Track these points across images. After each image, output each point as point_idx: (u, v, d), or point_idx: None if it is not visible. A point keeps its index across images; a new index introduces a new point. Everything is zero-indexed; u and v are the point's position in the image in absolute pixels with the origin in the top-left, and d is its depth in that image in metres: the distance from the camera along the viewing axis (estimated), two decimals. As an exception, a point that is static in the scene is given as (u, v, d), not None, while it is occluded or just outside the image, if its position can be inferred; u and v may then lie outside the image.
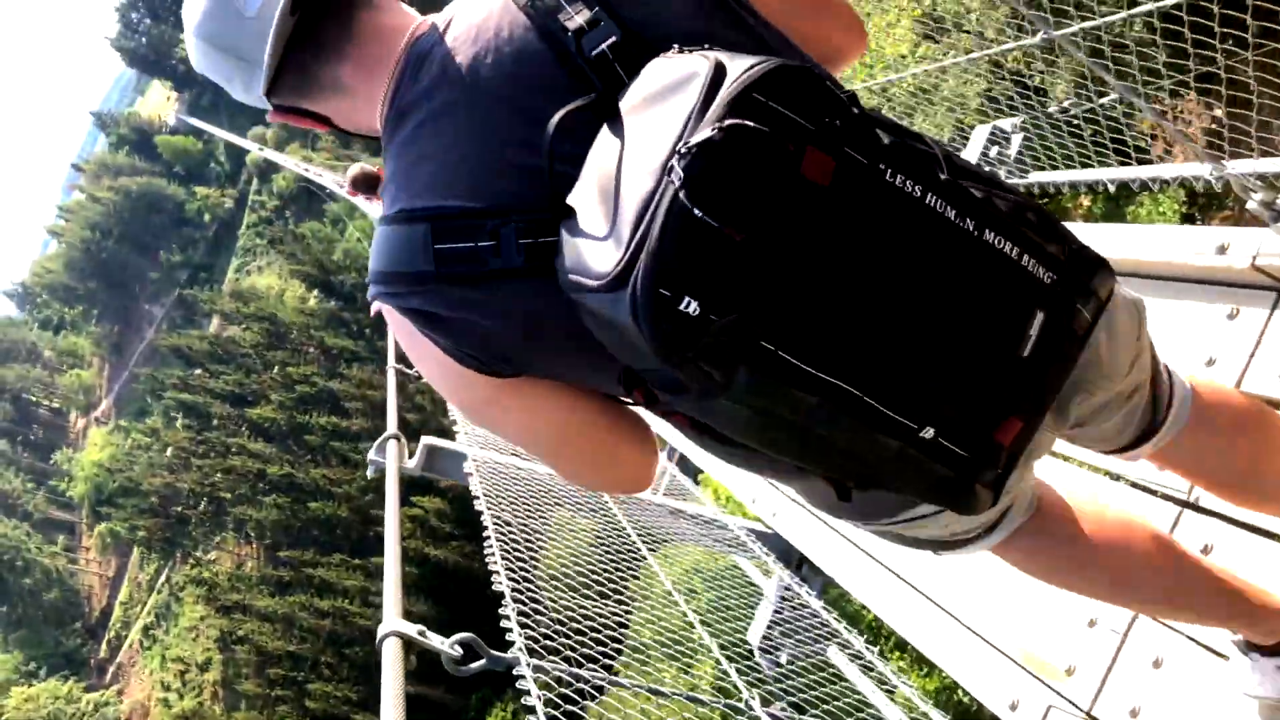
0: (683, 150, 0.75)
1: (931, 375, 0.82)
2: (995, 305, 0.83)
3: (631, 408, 1.08)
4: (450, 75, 0.95)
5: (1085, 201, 5.87)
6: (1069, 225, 0.98)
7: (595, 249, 0.81)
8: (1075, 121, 4.31)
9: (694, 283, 0.74)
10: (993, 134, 4.45)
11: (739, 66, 0.78)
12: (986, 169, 0.99)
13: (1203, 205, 5.26)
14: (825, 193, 0.76)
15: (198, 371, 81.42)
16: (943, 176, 0.82)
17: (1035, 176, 4.23)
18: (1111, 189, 3.90)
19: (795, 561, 3.77)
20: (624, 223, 0.78)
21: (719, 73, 0.78)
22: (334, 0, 0.99)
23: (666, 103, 0.81)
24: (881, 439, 0.82)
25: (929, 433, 0.83)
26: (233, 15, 0.95)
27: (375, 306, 1.03)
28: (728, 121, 0.75)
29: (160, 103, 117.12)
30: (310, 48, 0.99)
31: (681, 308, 0.75)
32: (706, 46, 0.84)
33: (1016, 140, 4.40)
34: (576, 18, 0.92)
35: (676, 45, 0.87)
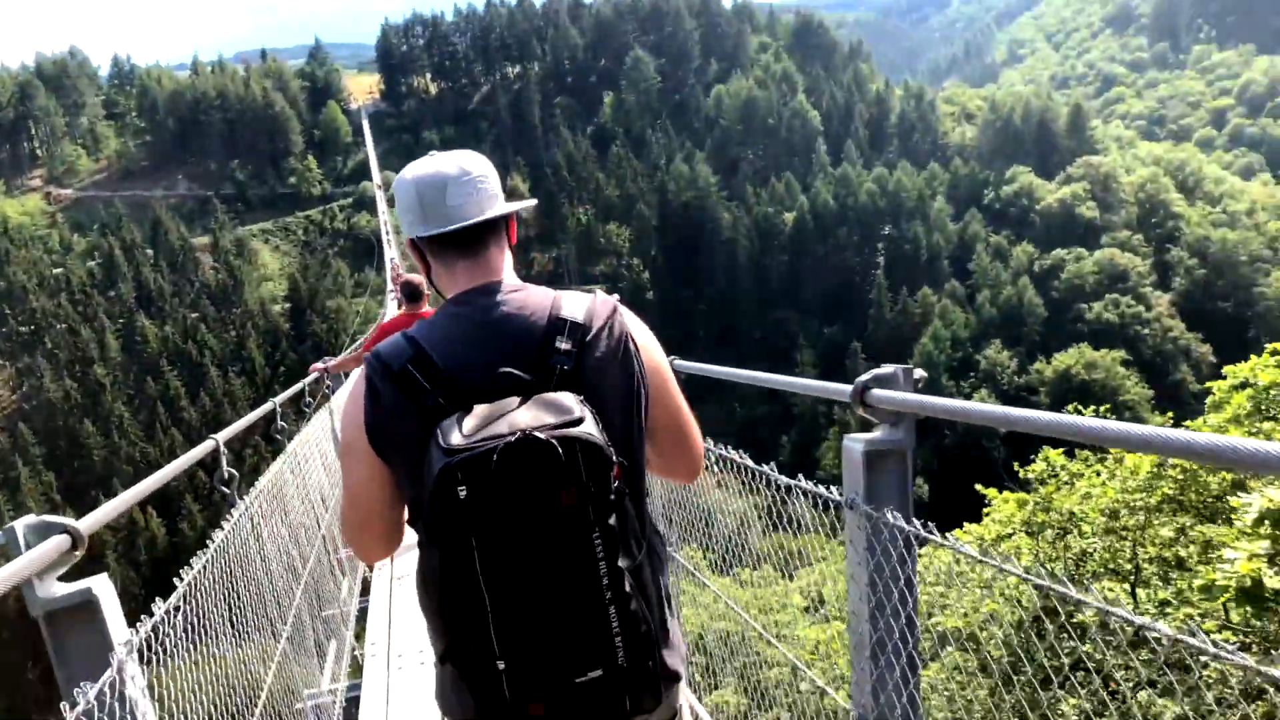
0: (523, 431, 1.31)
1: (526, 639, 1.33)
2: (581, 641, 1.35)
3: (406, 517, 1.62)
4: (488, 305, 1.57)
5: None
6: None
7: (458, 432, 1.35)
8: None
9: (470, 484, 1.28)
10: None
11: (589, 429, 1.35)
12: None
13: None
14: (562, 511, 1.31)
15: (150, 251, 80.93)
16: (623, 564, 1.35)
17: None
18: None
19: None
20: (478, 436, 1.33)
21: (579, 421, 1.35)
22: (486, 232, 1.64)
23: (547, 408, 1.38)
24: (476, 643, 1.34)
25: (500, 665, 1.33)
26: (438, 198, 1.59)
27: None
28: (553, 438, 1.30)
29: (363, 89, 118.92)
30: (456, 241, 1.62)
31: (458, 487, 1.29)
32: (596, 415, 1.40)
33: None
34: (565, 344, 1.49)
35: (584, 397, 1.42)
